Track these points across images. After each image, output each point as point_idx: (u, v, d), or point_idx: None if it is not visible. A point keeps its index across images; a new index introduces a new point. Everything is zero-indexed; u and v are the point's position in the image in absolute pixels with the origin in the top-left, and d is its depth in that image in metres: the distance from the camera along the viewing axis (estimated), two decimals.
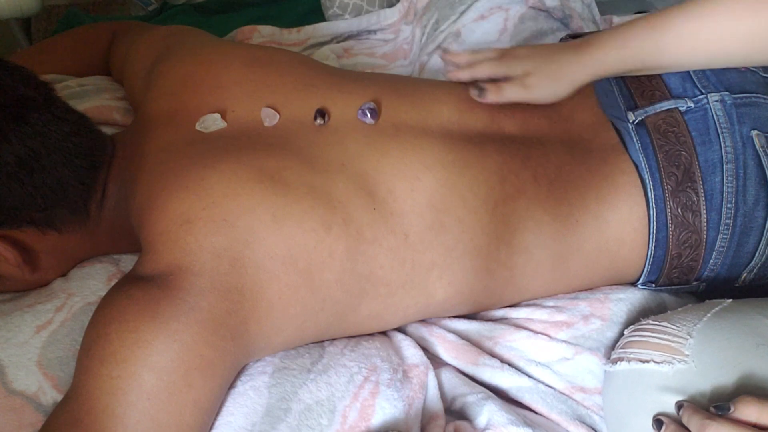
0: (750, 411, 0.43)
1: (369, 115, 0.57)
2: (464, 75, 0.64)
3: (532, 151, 0.59)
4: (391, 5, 1.06)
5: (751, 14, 0.51)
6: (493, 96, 0.60)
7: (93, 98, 0.76)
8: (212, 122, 0.56)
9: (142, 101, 0.63)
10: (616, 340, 0.57)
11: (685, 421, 0.45)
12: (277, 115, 0.57)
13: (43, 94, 0.54)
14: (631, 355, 0.51)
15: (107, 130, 0.62)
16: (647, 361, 0.49)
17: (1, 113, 0.50)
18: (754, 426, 0.43)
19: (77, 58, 0.84)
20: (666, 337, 0.50)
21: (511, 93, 0.61)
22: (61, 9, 1.32)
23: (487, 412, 0.52)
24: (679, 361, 0.48)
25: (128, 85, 0.73)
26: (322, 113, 0.56)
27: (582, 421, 0.55)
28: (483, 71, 0.63)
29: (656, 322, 0.52)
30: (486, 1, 0.89)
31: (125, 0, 1.42)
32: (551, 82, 0.60)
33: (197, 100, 0.58)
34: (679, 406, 0.46)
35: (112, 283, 0.52)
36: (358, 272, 0.53)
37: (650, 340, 0.50)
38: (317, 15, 1.10)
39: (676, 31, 0.55)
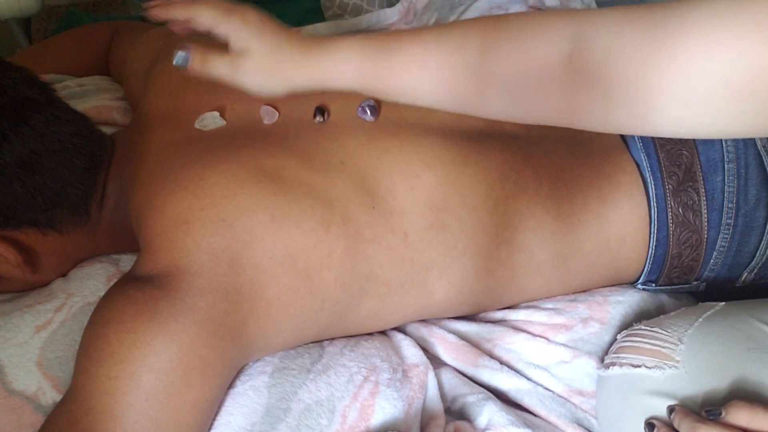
0: (741, 416, 0.43)
1: (369, 112, 0.57)
2: (176, 12, 0.50)
3: (534, 150, 0.59)
4: (391, 5, 1.06)
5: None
6: (196, 64, 0.49)
7: (93, 98, 0.76)
8: (211, 120, 0.56)
9: (141, 100, 0.63)
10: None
11: (676, 424, 0.45)
12: (277, 113, 0.56)
13: (43, 95, 0.54)
14: (624, 360, 0.51)
15: (107, 130, 0.62)
16: (639, 366, 0.49)
17: (2, 114, 0.50)
18: (745, 431, 0.43)
19: (77, 58, 0.84)
20: (657, 342, 0.50)
21: (218, 69, 0.49)
22: (61, 9, 1.31)
23: (488, 413, 0.52)
24: (670, 367, 0.48)
25: (127, 84, 0.73)
26: (321, 111, 0.56)
27: (580, 424, 0.54)
28: (202, 19, 0.49)
29: (648, 328, 0.52)
30: (485, 1, 0.89)
31: (125, 0, 1.42)
32: (266, 74, 0.49)
33: (196, 99, 0.58)
34: (671, 409, 0.46)
35: (112, 283, 0.52)
36: (357, 271, 0.52)
37: (642, 345, 0.51)
38: (317, 15, 1.10)
39: (406, 60, 0.45)
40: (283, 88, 0.50)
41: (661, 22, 0.35)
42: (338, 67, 0.48)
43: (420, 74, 0.45)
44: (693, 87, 0.34)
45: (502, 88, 0.43)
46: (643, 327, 0.53)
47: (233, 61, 0.49)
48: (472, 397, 0.54)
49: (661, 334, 0.51)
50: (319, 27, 1.02)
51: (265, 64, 0.49)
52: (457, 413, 0.55)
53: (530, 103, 0.43)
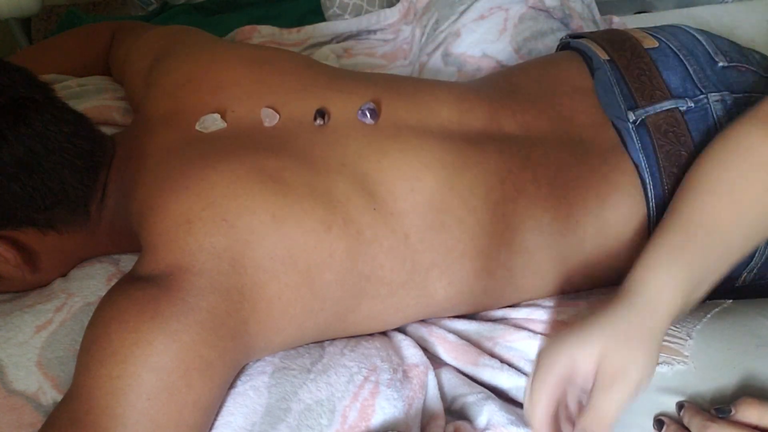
0: (751, 413, 0.43)
1: (369, 115, 0.57)
2: None
3: (532, 151, 0.59)
4: (391, 5, 1.06)
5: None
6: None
7: (93, 98, 0.76)
8: (212, 122, 0.56)
9: (142, 101, 0.63)
10: None
11: (686, 422, 0.45)
12: (277, 116, 0.56)
13: (43, 95, 0.54)
14: None
15: (107, 130, 0.62)
16: None
17: (1, 114, 0.50)
18: (755, 428, 0.43)
19: (77, 58, 0.84)
20: (666, 337, 0.50)
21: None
22: (61, 9, 1.32)
23: (487, 412, 0.52)
24: (679, 362, 0.48)
25: (128, 85, 0.73)
26: (322, 113, 0.56)
27: None
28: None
29: None
30: (486, 1, 0.89)
31: (125, 0, 1.42)
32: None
33: (197, 100, 0.58)
34: (680, 406, 0.46)
35: (112, 283, 0.52)
36: (358, 272, 0.53)
37: None
38: (317, 15, 1.10)
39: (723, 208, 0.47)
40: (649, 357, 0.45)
41: None
42: (664, 298, 0.46)
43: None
44: None
45: None
46: None
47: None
48: (472, 397, 0.55)
49: (670, 329, 0.50)
50: (319, 27, 1.02)
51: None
52: (457, 413, 0.56)
53: None
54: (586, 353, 0.44)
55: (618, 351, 0.43)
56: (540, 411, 0.45)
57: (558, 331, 0.59)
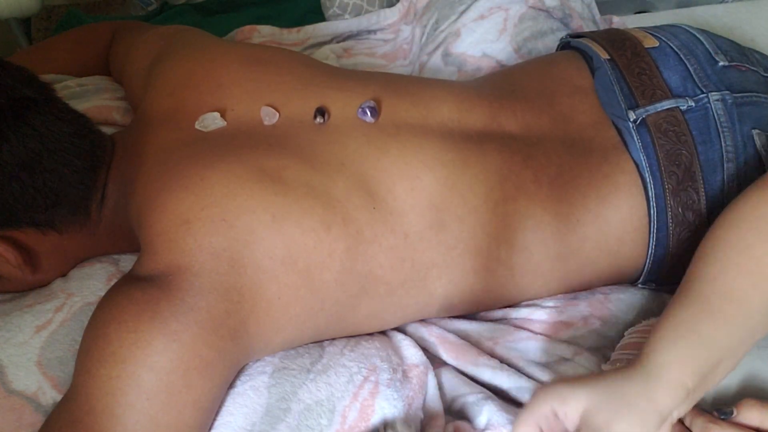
0: (753, 415, 0.43)
1: (369, 113, 0.57)
2: None
3: (533, 150, 0.59)
4: (391, 5, 1.06)
5: None
6: None
7: (93, 98, 0.76)
8: (211, 121, 0.56)
9: (142, 101, 0.63)
10: (616, 341, 0.57)
11: (687, 423, 0.45)
12: (277, 114, 0.56)
13: (43, 95, 0.54)
14: (630, 357, 0.50)
15: (107, 130, 0.62)
16: None
17: (1, 114, 0.50)
18: (757, 430, 0.43)
19: (77, 58, 0.84)
20: None
21: None
22: (61, 9, 1.32)
23: (487, 413, 0.52)
24: None
25: (128, 84, 0.73)
26: (322, 112, 0.56)
27: None
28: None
29: None
30: (486, 0, 0.89)
31: (125, 0, 1.42)
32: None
33: (197, 99, 0.58)
34: None
35: (112, 283, 0.52)
36: (357, 272, 0.53)
37: None
38: (317, 15, 1.10)
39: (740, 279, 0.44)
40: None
41: None
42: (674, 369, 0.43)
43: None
44: None
45: None
46: (650, 323, 0.52)
47: None
48: (472, 397, 0.54)
49: None
50: (319, 27, 1.02)
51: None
52: (456, 413, 0.56)
53: None
54: (569, 408, 0.43)
55: (601, 414, 0.42)
56: None
57: (558, 330, 0.59)
